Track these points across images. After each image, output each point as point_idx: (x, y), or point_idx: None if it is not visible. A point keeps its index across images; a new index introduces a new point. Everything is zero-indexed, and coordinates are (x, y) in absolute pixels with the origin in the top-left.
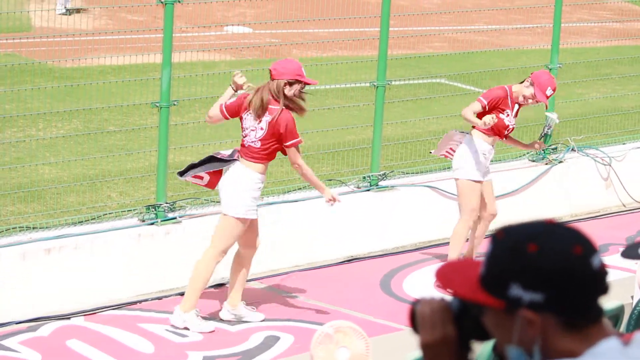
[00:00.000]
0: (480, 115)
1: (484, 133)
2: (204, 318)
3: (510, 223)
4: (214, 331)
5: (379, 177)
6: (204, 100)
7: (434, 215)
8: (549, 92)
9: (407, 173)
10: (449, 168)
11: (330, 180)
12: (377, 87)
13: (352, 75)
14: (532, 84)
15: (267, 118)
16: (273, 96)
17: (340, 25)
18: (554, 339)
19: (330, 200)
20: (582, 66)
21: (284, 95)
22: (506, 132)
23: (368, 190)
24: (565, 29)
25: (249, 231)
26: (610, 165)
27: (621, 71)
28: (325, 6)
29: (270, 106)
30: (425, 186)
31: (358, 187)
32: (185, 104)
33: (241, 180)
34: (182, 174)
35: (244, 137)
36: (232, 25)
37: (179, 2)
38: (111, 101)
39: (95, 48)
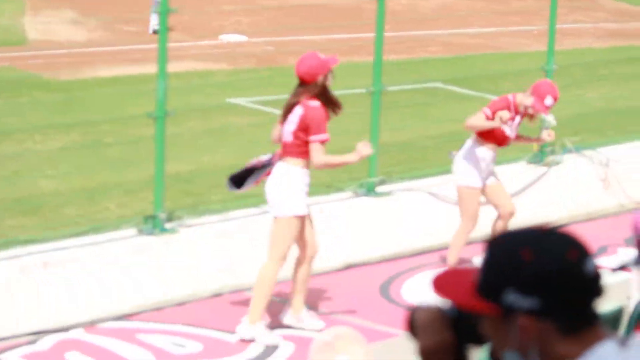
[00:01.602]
0: (488, 135)
1: (484, 140)
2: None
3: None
4: (206, 342)
5: (377, 182)
6: (200, 110)
7: (433, 221)
8: (548, 101)
9: (404, 178)
10: (446, 173)
11: (329, 186)
12: (373, 92)
13: (348, 81)
14: (532, 93)
15: (299, 111)
16: (309, 97)
17: (335, 32)
18: (550, 343)
19: (364, 152)
20: (579, 67)
21: (324, 88)
22: (506, 143)
23: (366, 196)
24: (560, 31)
25: (303, 232)
26: (607, 166)
27: (617, 71)
28: (320, 13)
29: (304, 102)
30: (423, 192)
31: (355, 194)
32: (182, 114)
33: (282, 179)
34: (239, 185)
35: (282, 135)
36: (228, 34)
37: (174, 12)
38: (108, 112)
39: (91, 60)
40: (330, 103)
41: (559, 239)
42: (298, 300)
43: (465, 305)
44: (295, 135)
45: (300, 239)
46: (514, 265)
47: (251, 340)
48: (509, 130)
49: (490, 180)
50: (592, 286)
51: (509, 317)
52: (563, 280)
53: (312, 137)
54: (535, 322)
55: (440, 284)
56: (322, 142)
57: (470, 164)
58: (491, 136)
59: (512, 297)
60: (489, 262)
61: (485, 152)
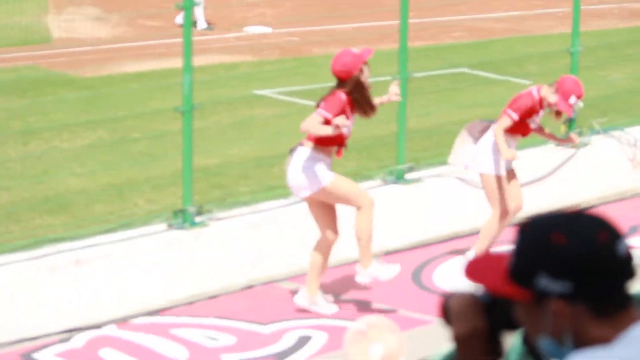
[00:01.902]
0: (512, 129)
1: (510, 133)
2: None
3: (536, 213)
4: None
5: (405, 169)
6: (226, 102)
7: (462, 206)
8: (572, 100)
9: (433, 165)
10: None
11: (357, 175)
12: (400, 79)
13: (373, 69)
14: (556, 91)
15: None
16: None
17: (359, 20)
18: (584, 327)
19: (394, 94)
20: (604, 48)
21: (361, 84)
22: (528, 134)
23: (395, 183)
24: (585, 12)
25: (325, 213)
26: (636, 146)
27: None
28: (344, 2)
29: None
30: (451, 177)
31: (384, 181)
32: (208, 107)
33: (295, 162)
34: None
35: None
36: (252, 25)
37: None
38: (134, 108)
39: (116, 56)
40: (363, 102)
41: (590, 222)
42: (313, 284)
43: (498, 290)
44: (321, 112)
45: (323, 225)
46: (545, 249)
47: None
48: (533, 125)
49: (508, 172)
50: (624, 268)
51: (542, 302)
52: (595, 263)
53: (319, 110)
54: (568, 306)
55: (473, 270)
56: (324, 119)
57: (494, 153)
58: (514, 128)
59: (544, 282)
60: (519, 247)
61: (510, 142)
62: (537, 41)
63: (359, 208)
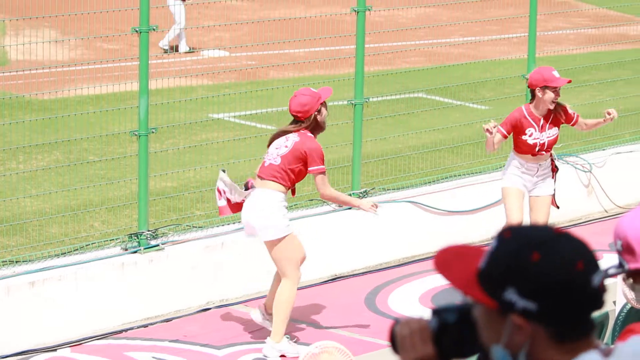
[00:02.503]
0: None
1: (519, 153)
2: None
3: (520, 224)
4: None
5: (361, 194)
6: (182, 125)
7: (417, 231)
8: (555, 73)
9: (388, 189)
10: (430, 183)
11: (312, 200)
12: (355, 105)
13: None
14: (536, 89)
15: (294, 137)
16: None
17: (316, 45)
18: (540, 348)
19: (372, 208)
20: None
21: (318, 125)
22: (537, 150)
23: (350, 208)
24: (541, 38)
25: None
26: (591, 172)
27: (598, 77)
28: (301, 27)
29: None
30: (406, 201)
31: (340, 206)
32: (165, 130)
33: (265, 203)
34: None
35: (265, 157)
36: (209, 49)
37: (154, 30)
38: (90, 131)
39: (73, 79)
40: (321, 130)
41: (571, 247)
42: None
43: (463, 291)
44: (285, 161)
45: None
46: (521, 265)
47: (282, 356)
48: (533, 139)
49: (536, 192)
50: (595, 299)
51: (505, 314)
52: (566, 290)
53: (315, 168)
54: (529, 324)
55: (443, 262)
56: (323, 173)
57: (507, 168)
58: (520, 148)
59: (512, 296)
60: (495, 255)
61: (520, 160)
62: (493, 66)
63: (285, 277)
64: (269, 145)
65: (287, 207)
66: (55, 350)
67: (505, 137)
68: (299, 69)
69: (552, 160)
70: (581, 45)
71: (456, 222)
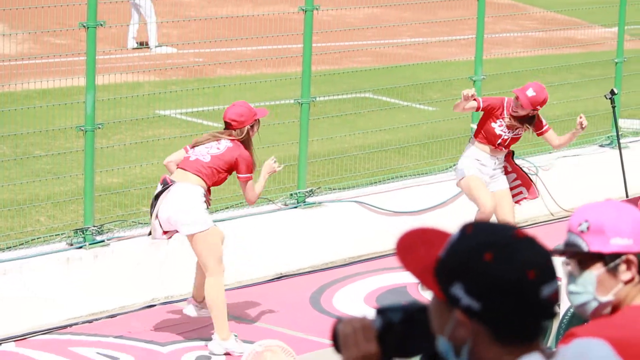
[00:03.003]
0: (481, 135)
1: (479, 142)
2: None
3: (488, 221)
4: (139, 354)
5: (306, 193)
6: (129, 121)
7: (363, 230)
8: (529, 92)
9: (334, 189)
10: (376, 183)
11: (259, 198)
12: (302, 104)
13: (277, 92)
14: (516, 99)
15: (227, 143)
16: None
17: (264, 43)
18: (482, 346)
19: (274, 168)
20: (507, 77)
21: (249, 138)
22: (498, 142)
23: (295, 207)
24: (489, 40)
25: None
26: (537, 175)
27: (546, 80)
28: (249, 25)
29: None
30: (352, 201)
31: (285, 205)
32: (111, 126)
33: (185, 197)
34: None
35: (191, 150)
36: (157, 45)
37: (102, 25)
38: (37, 125)
39: (20, 73)
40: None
41: (528, 255)
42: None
43: (418, 277)
44: (215, 160)
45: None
46: (472, 263)
47: (228, 354)
48: (500, 130)
49: (493, 187)
50: (543, 310)
51: (451, 307)
52: (511, 297)
53: (244, 175)
54: (470, 322)
55: (405, 244)
56: (251, 180)
57: (463, 161)
58: (483, 135)
59: (458, 292)
60: (454, 249)
61: (480, 152)
62: (440, 68)
63: (208, 273)
64: (193, 146)
65: (203, 202)
66: (0, 344)
67: (478, 108)
68: (246, 67)
69: (511, 157)
70: (529, 48)
71: (402, 222)
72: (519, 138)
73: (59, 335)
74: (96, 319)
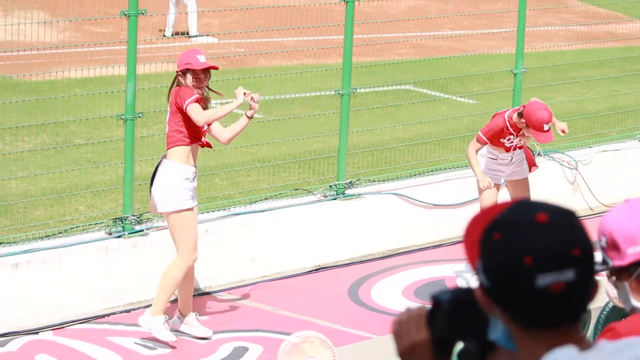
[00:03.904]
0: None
1: (491, 145)
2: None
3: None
4: (174, 343)
5: (346, 185)
6: None
7: (402, 223)
8: (546, 127)
9: (373, 181)
10: (416, 176)
11: (297, 189)
12: (342, 95)
13: (318, 83)
14: (527, 125)
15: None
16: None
17: (305, 34)
18: (511, 329)
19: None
20: (548, 70)
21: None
22: (510, 148)
23: (335, 199)
24: (530, 33)
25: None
26: (576, 169)
27: (587, 74)
28: (291, 15)
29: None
30: (392, 193)
31: (325, 196)
32: (152, 115)
33: (162, 174)
34: None
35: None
36: (198, 36)
37: (143, 14)
38: (78, 114)
39: (61, 61)
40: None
41: (533, 241)
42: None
43: (465, 250)
44: (169, 122)
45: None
46: (485, 241)
47: (147, 332)
48: (509, 143)
49: (514, 177)
50: (541, 299)
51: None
52: (508, 279)
53: (185, 102)
54: (487, 300)
55: (469, 235)
56: (196, 101)
57: (479, 159)
58: (493, 143)
59: (479, 267)
60: (486, 224)
61: (494, 153)
62: (481, 60)
63: (179, 254)
64: None
65: (185, 178)
66: (37, 333)
67: (486, 143)
68: (287, 58)
69: (527, 148)
70: (570, 42)
71: (441, 215)
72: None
73: (97, 325)
74: (134, 309)
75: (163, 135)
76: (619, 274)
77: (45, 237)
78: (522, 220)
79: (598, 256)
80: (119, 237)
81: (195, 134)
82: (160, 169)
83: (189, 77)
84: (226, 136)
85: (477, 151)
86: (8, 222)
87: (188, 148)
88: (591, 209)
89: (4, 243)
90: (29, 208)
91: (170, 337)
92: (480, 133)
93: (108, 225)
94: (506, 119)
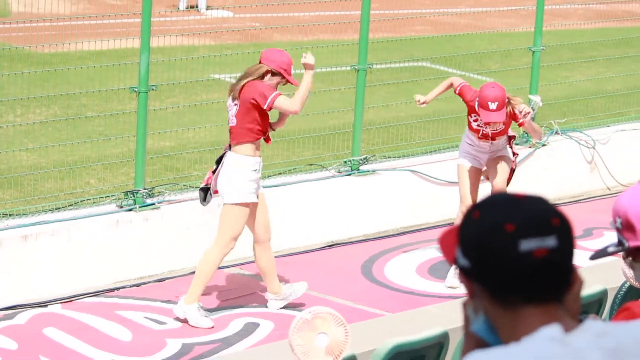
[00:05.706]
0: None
1: (469, 129)
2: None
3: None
4: (212, 327)
5: (360, 161)
6: (183, 85)
7: (416, 200)
8: (491, 106)
9: (388, 157)
10: (431, 152)
11: (311, 165)
12: (358, 70)
13: (333, 59)
14: (474, 102)
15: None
16: (250, 77)
17: (321, 9)
18: (490, 310)
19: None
20: (567, 48)
21: (261, 80)
22: (480, 135)
23: (349, 174)
24: (549, 11)
25: (252, 218)
26: (594, 149)
27: (606, 53)
28: None
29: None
30: (406, 170)
31: (339, 172)
32: (165, 89)
33: (229, 166)
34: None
35: (229, 123)
36: (213, 9)
37: None
38: (90, 86)
39: (74, 33)
40: None
41: (514, 210)
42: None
43: (450, 260)
44: (238, 117)
45: (253, 223)
46: (465, 224)
47: (184, 320)
48: (477, 125)
49: (491, 159)
50: (525, 266)
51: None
52: (489, 249)
53: (269, 102)
54: (470, 283)
55: (445, 236)
56: (280, 95)
57: (462, 144)
58: (469, 124)
59: (458, 254)
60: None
61: (472, 136)
62: (499, 38)
63: (217, 242)
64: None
65: (255, 171)
66: (46, 306)
67: (455, 91)
68: (303, 32)
69: (510, 142)
70: (589, 20)
71: (456, 192)
72: (503, 131)
73: (106, 299)
74: (144, 283)
75: (176, 109)
76: (635, 255)
77: (55, 209)
78: (502, 197)
79: (613, 237)
80: (130, 210)
81: (264, 129)
82: (227, 161)
83: (276, 79)
84: (295, 107)
85: (452, 86)
86: (18, 194)
87: (257, 142)
88: (609, 189)
89: (13, 215)
90: (39, 180)
91: (207, 323)
92: (461, 84)
93: (119, 199)
94: (478, 94)
